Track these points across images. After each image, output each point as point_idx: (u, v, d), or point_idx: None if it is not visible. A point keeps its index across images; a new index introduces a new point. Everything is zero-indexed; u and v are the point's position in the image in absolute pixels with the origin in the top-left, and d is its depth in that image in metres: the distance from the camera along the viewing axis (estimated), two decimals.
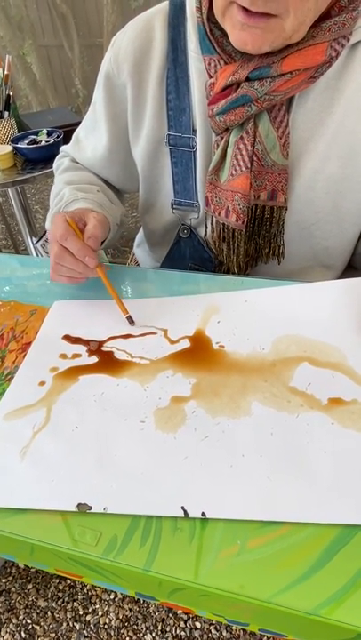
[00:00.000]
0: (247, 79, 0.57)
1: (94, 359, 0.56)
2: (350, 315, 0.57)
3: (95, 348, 0.58)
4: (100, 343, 0.58)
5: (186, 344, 0.56)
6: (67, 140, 1.41)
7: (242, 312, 0.59)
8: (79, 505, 0.41)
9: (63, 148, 0.87)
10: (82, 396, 0.51)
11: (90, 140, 0.78)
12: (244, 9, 0.49)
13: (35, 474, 0.44)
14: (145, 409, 0.49)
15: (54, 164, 0.86)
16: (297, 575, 0.37)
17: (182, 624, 1.04)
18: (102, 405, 0.50)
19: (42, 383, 0.53)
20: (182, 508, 0.40)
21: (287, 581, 0.36)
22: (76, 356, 0.57)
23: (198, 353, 0.55)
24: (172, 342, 0.57)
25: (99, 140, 0.76)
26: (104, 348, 0.57)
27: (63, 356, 0.57)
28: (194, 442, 0.45)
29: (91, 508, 0.41)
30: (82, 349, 0.58)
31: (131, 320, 0.60)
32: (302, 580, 0.36)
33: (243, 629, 1.03)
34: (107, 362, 0.55)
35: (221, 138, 0.64)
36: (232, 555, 0.38)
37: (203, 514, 0.40)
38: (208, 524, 0.40)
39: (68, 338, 0.59)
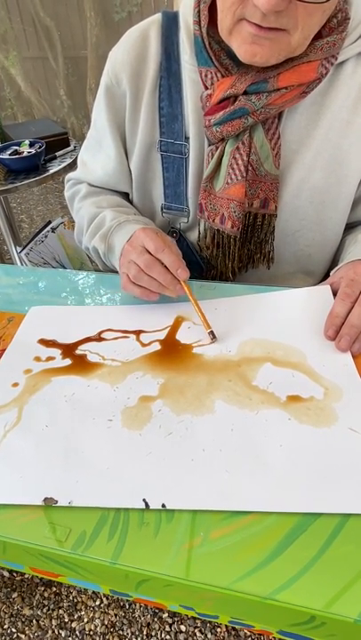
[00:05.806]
0: (245, 93, 0.60)
1: (67, 362, 0.58)
2: (312, 319, 0.59)
3: (70, 350, 0.59)
4: (74, 346, 0.60)
5: (157, 347, 0.58)
6: (49, 150, 1.44)
7: (212, 319, 0.61)
8: (45, 499, 0.43)
9: (70, 176, 0.86)
10: (53, 396, 0.53)
11: (97, 159, 0.79)
12: (255, 24, 0.52)
13: (3, 470, 0.46)
14: (113, 408, 0.51)
15: (67, 194, 0.86)
16: (256, 563, 0.38)
17: (167, 628, 1.04)
18: (72, 405, 0.52)
19: (15, 384, 0.55)
20: (143, 500, 0.42)
21: (246, 569, 0.38)
22: (50, 358, 0.58)
23: (168, 355, 0.57)
24: (144, 345, 0.59)
25: (107, 156, 0.76)
26: (77, 351, 0.59)
27: (37, 359, 0.58)
28: (158, 438, 0.47)
29: (57, 501, 0.43)
30: (56, 352, 0.59)
31: (213, 335, 0.58)
32: (261, 568, 0.38)
33: (227, 631, 1.04)
34: (79, 364, 0.57)
35: (216, 147, 0.66)
36: (195, 546, 0.40)
37: (163, 505, 0.42)
38: (173, 517, 0.41)
39: (43, 341, 0.61)
